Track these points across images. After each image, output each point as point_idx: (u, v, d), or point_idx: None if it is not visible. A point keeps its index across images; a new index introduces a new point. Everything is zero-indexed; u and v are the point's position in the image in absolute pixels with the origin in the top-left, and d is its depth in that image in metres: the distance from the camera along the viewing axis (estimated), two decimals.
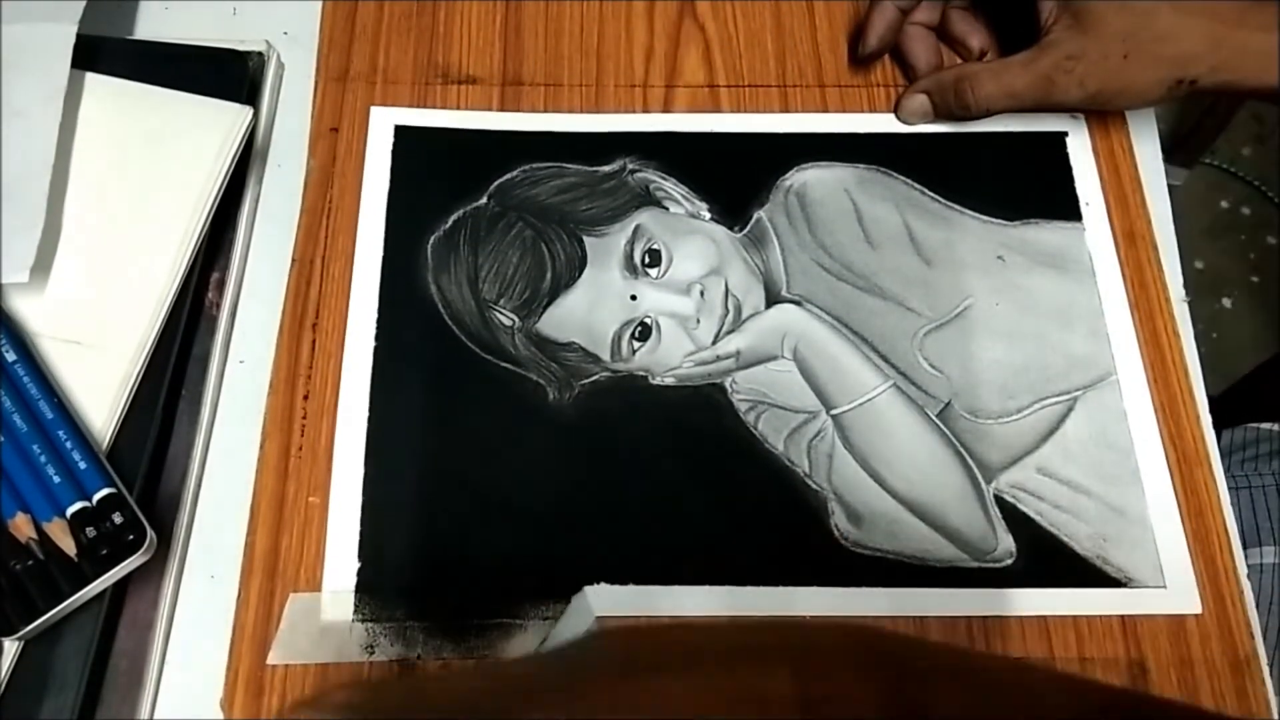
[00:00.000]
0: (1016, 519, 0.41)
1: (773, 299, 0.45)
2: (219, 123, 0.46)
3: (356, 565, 0.40)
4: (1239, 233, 1.38)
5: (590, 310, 0.44)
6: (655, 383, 0.43)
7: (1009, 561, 0.41)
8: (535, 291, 0.44)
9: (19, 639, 0.37)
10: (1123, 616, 0.40)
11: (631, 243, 0.46)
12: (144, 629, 0.39)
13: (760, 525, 0.41)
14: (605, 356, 0.44)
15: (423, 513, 0.41)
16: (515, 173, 0.47)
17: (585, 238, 0.46)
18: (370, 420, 0.42)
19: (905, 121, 0.49)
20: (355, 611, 0.39)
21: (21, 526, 0.38)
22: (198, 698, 0.38)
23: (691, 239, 0.46)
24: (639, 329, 0.44)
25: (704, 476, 0.42)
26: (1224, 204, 1.40)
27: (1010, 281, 0.46)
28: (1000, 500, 0.42)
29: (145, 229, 0.44)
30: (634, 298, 0.45)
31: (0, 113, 0.44)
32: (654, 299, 0.45)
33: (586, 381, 0.43)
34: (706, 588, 0.40)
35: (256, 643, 0.39)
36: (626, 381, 0.43)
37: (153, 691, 0.39)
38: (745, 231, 0.47)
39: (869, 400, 0.43)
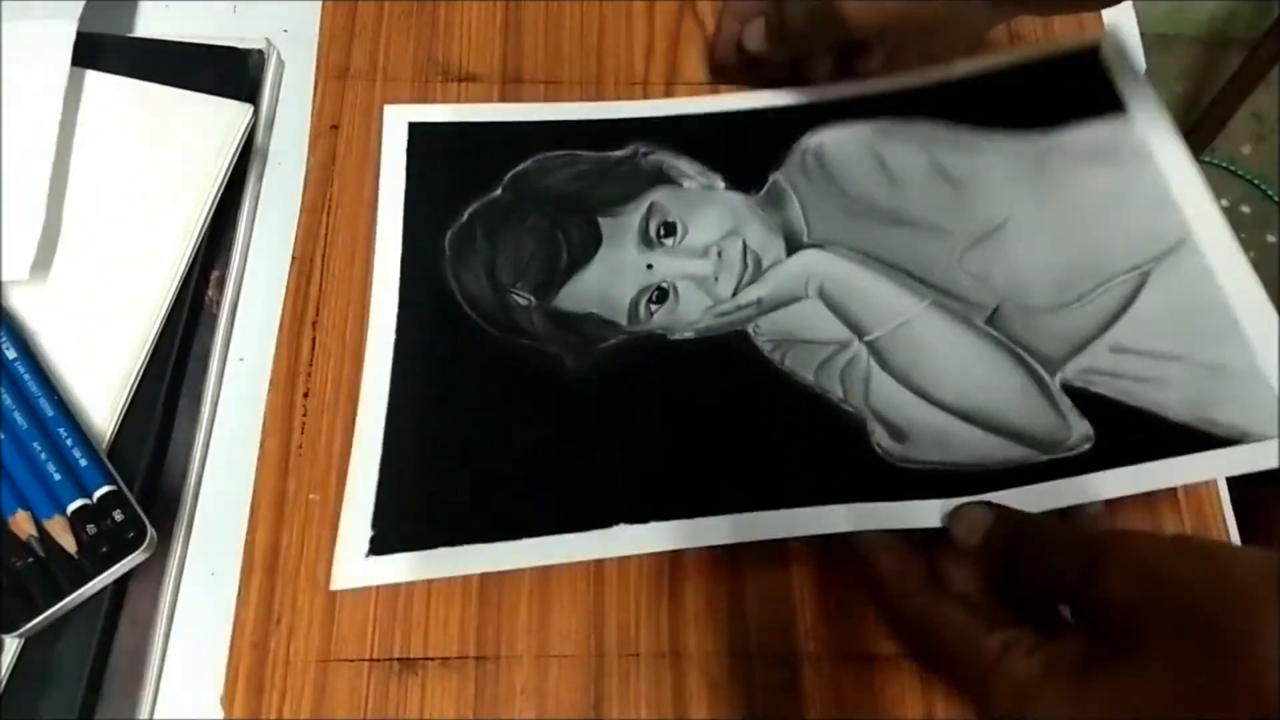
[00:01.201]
0: (1091, 402, 0.39)
1: (794, 249, 0.45)
2: (219, 120, 0.46)
3: (370, 534, 0.39)
4: (1239, 231, 1.37)
5: (607, 283, 0.44)
6: (675, 338, 0.43)
7: (1087, 446, 0.38)
8: (551, 272, 0.44)
9: (19, 636, 0.37)
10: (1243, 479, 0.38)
11: (646, 218, 0.45)
12: (144, 626, 0.39)
13: (795, 451, 0.40)
14: (623, 322, 0.43)
15: (441, 485, 0.40)
16: (529, 163, 0.47)
17: (600, 218, 0.46)
18: (390, 405, 0.42)
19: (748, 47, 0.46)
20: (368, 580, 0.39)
21: (22, 524, 0.38)
22: (198, 695, 0.39)
23: (707, 209, 0.46)
24: (656, 293, 0.44)
25: (731, 415, 0.41)
26: (1224, 202, 1.40)
27: (1053, 185, 0.44)
28: (1070, 389, 0.40)
29: (145, 226, 0.44)
30: (650, 266, 0.44)
31: (0, 110, 0.44)
32: (670, 265, 0.44)
33: (604, 345, 0.43)
34: (749, 514, 0.38)
35: (257, 640, 0.39)
36: (645, 340, 0.43)
37: (153, 689, 0.39)
38: (763, 194, 0.46)
39: (906, 322, 0.42)
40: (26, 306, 0.42)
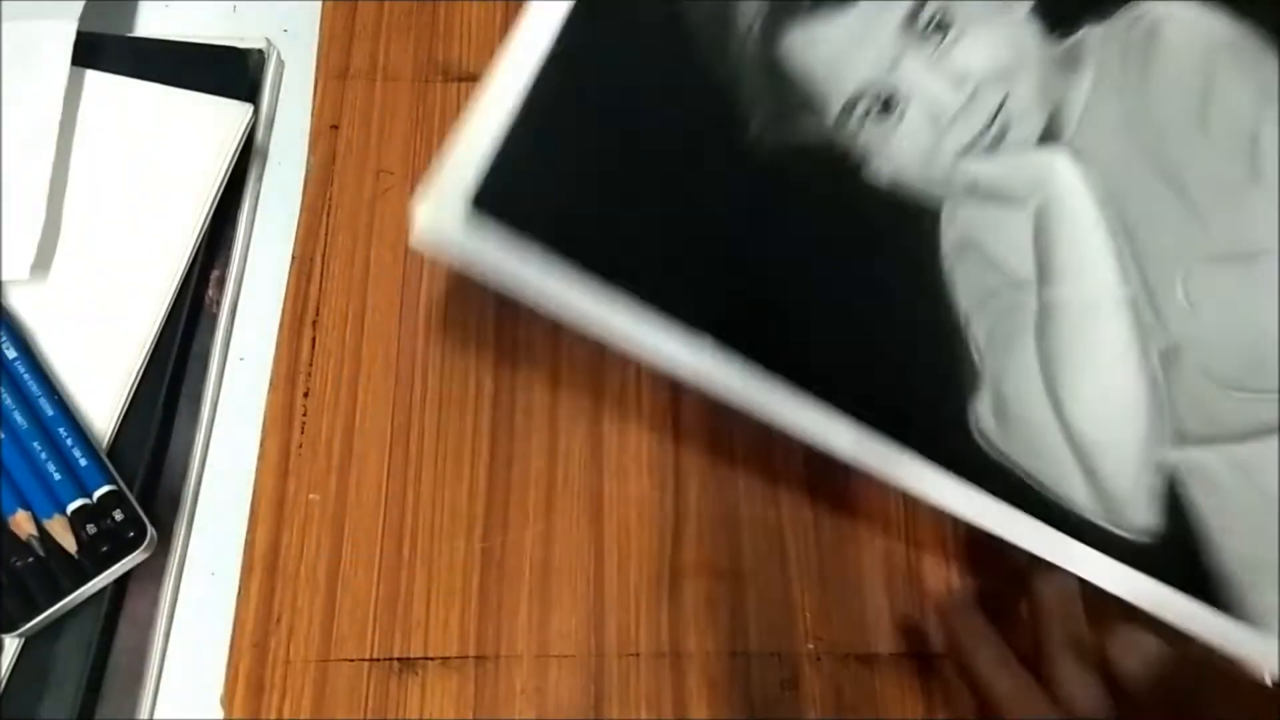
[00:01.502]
0: (1174, 502, 0.35)
1: (1051, 135, 0.38)
2: (219, 120, 0.46)
3: (476, 185, 0.32)
4: None
5: (846, 48, 0.37)
6: (865, 175, 0.36)
7: (1142, 540, 0.35)
8: None
9: (19, 636, 0.37)
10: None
11: None
12: (144, 626, 0.39)
13: (904, 374, 0.36)
14: (830, 113, 0.36)
15: (566, 172, 0.34)
16: None
17: None
18: (554, 51, 0.34)
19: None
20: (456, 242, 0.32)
21: (22, 523, 0.38)
22: (198, 695, 0.39)
23: (993, 26, 0.38)
24: (884, 100, 0.37)
25: (872, 297, 0.36)
26: None
27: None
28: (1167, 471, 0.35)
29: (145, 226, 0.44)
30: (896, 62, 0.37)
31: (0, 110, 0.44)
32: (916, 73, 0.37)
33: (795, 137, 0.36)
34: (831, 415, 0.34)
35: (257, 640, 0.39)
36: (837, 160, 0.36)
37: (153, 689, 0.39)
38: (1063, 45, 0.38)
39: (1094, 302, 0.36)
40: (26, 306, 0.42)
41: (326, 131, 0.48)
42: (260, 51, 0.49)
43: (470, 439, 0.42)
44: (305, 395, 0.43)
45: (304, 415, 0.42)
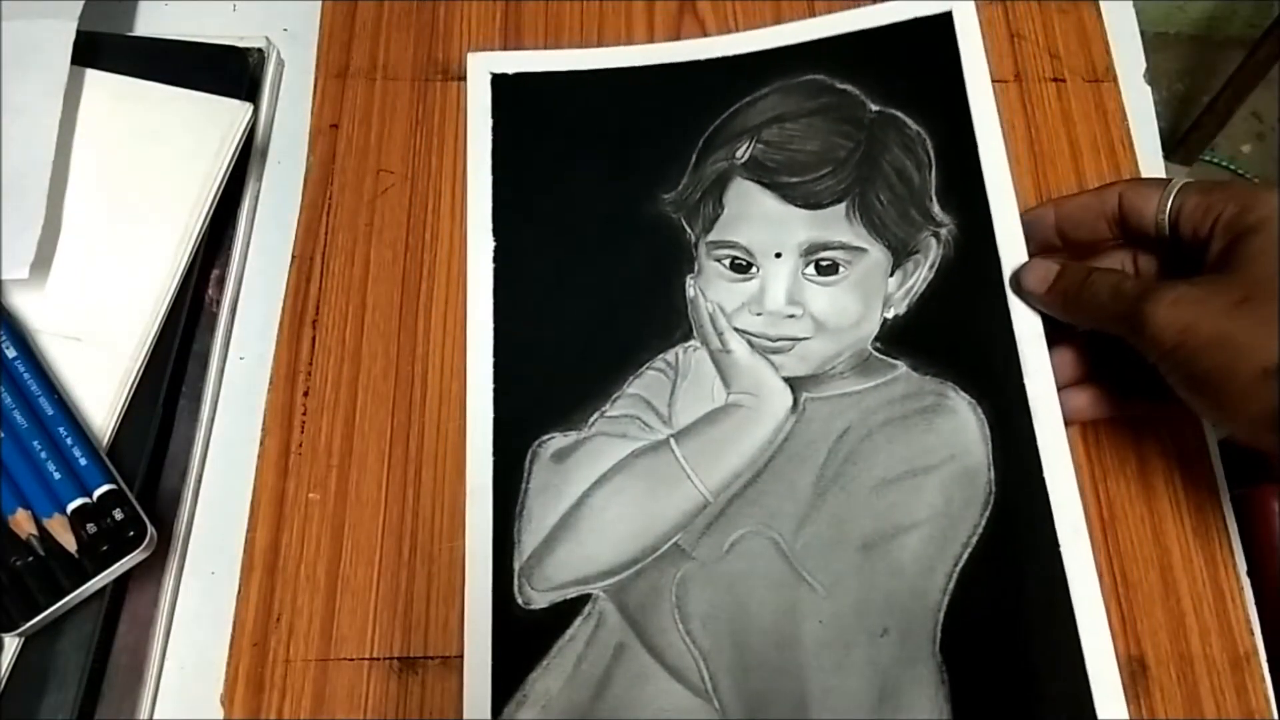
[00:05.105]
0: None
1: (798, 384, 0.42)
2: (219, 119, 0.46)
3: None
4: None
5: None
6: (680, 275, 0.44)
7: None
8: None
9: (19, 635, 0.37)
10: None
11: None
12: (144, 625, 0.39)
13: None
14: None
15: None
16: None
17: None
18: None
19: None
20: None
21: (22, 523, 0.38)
22: (198, 694, 0.39)
23: (861, 303, 0.43)
24: (748, 262, 0.43)
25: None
26: None
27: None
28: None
29: (145, 225, 0.44)
30: (786, 249, 0.43)
31: (0, 109, 0.44)
32: (786, 270, 0.43)
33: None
34: None
35: (257, 640, 0.39)
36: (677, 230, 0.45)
37: (153, 688, 0.39)
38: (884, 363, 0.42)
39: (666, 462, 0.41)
40: (26, 306, 0.42)
41: (326, 131, 0.48)
42: (260, 51, 0.49)
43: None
44: (305, 395, 0.43)
45: (304, 415, 0.42)
